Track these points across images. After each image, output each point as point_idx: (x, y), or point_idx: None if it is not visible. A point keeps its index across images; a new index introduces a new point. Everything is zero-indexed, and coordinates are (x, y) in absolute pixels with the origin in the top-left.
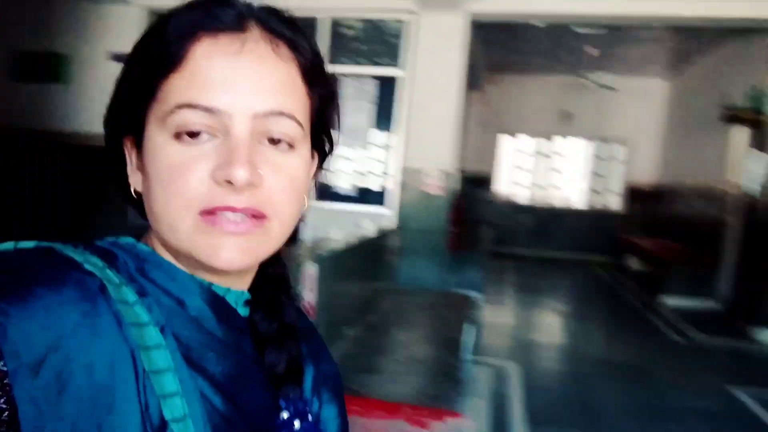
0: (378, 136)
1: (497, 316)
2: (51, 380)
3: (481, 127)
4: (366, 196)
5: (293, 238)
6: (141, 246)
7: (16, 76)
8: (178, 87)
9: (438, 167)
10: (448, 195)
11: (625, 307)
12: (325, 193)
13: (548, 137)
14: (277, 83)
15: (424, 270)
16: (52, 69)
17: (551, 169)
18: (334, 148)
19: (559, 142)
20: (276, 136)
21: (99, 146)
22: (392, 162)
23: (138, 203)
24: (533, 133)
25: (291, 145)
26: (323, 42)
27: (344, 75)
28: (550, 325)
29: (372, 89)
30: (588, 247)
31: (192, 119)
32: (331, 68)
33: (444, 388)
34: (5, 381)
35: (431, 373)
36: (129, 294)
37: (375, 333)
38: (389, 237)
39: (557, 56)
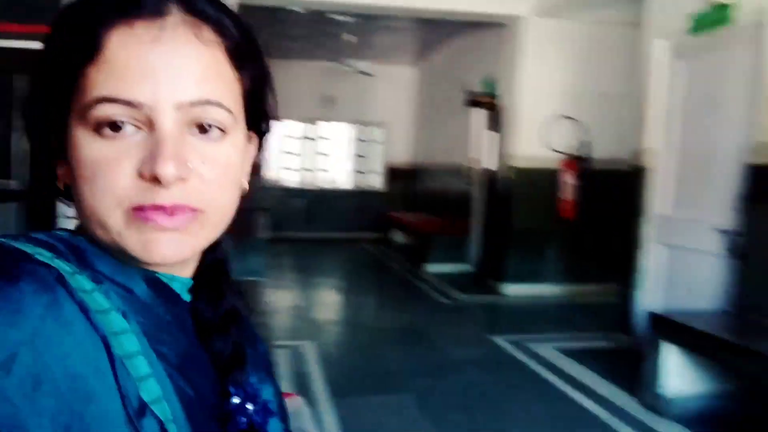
0: None
1: (282, 299)
2: (24, 376)
3: None
4: None
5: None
6: (78, 238)
7: None
8: (96, 80)
9: None
10: None
11: (395, 278)
12: None
13: (313, 122)
14: (200, 70)
15: None
16: None
17: (318, 152)
18: (271, 127)
19: (324, 126)
20: (204, 125)
21: None
22: None
23: (66, 195)
24: (299, 118)
25: (222, 132)
26: None
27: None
28: (332, 302)
29: None
30: (357, 226)
31: (112, 113)
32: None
33: None
34: None
35: None
36: (85, 282)
37: None
38: None
39: (318, 42)
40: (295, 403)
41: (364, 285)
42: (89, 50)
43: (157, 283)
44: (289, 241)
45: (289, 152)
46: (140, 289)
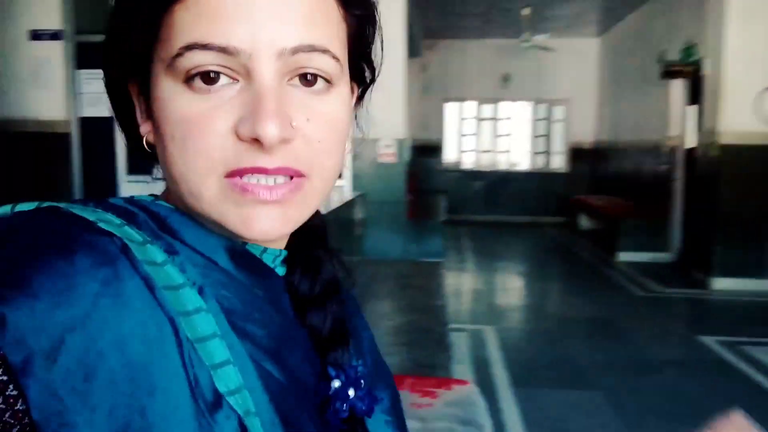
0: None
1: (462, 282)
2: (73, 366)
3: (422, 94)
4: None
5: None
6: (161, 203)
7: None
8: (184, 22)
9: (389, 135)
10: (403, 164)
11: (583, 265)
12: None
13: (491, 102)
14: (306, 9)
15: (387, 240)
16: None
17: (496, 133)
18: (376, 75)
19: (502, 106)
20: (309, 75)
21: (29, 132)
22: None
23: (152, 156)
24: (476, 98)
25: (328, 83)
26: None
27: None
28: (514, 287)
29: None
30: (537, 209)
31: (204, 61)
32: None
33: (437, 355)
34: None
35: (420, 341)
36: (157, 253)
37: None
38: (351, 209)
39: (493, 19)
40: (467, 391)
41: (548, 271)
42: None
43: (244, 256)
44: (467, 224)
45: (466, 134)
46: (225, 261)
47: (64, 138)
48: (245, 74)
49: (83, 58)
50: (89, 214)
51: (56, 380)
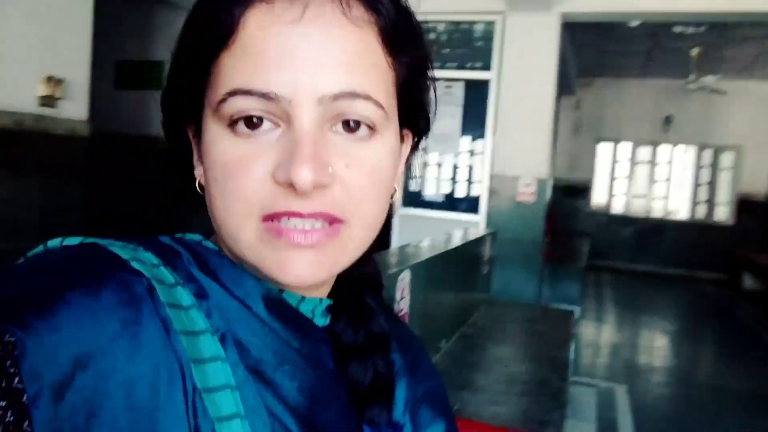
0: (468, 142)
1: (597, 334)
2: (79, 403)
3: (572, 133)
4: (456, 203)
5: (383, 239)
6: (207, 243)
7: (120, 84)
8: (229, 68)
9: (530, 174)
10: (542, 203)
11: (743, 330)
12: (414, 200)
13: (648, 144)
14: (348, 56)
15: (519, 281)
16: (151, 76)
17: (652, 178)
18: (431, 124)
19: (661, 149)
20: (351, 121)
21: None
22: (483, 168)
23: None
24: (632, 140)
25: (371, 130)
26: None
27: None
28: (658, 346)
29: (461, 93)
30: (694, 263)
31: (247, 106)
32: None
33: (550, 411)
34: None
35: (535, 393)
36: (184, 296)
37: (471, 347)
38: (481, 246)
39: (656, 58)
40: None
41: (700, 331)
42: (224, 33)
43: (280, 304)
44: (612, 271)
45: (619, 176)
46: (260, 307)
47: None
48: (286, 120)
49: None
50: (126, 252)
51: (62, 417)
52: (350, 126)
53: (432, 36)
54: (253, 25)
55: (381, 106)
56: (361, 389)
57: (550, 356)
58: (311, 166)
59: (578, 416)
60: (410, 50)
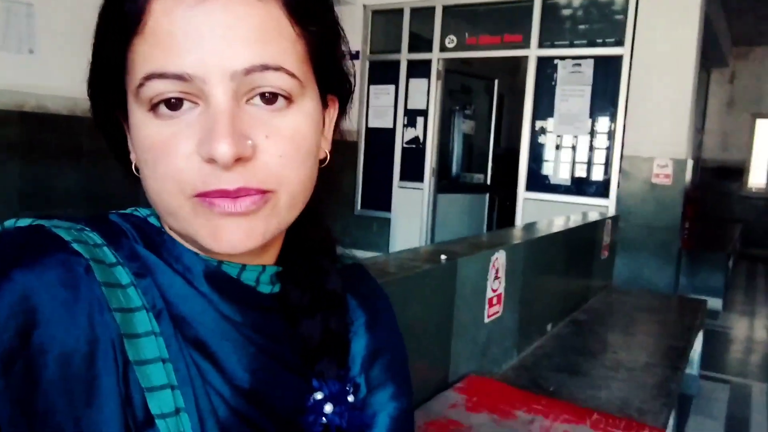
0: (598, 122)
1: (740, 328)
2: (22, 375)
3: (726, 109)
4: (585, 186)
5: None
6: (152, 220)
7: None
8: (142, 53)
9: (666, 154)
10: (680, 186)
11: None
12: (539, 183)
13: None
14: (255, 30)
15: (651, 269)
16: None
17: None
18: (353, 85)
19: None
20: (267, 93)
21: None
22: (613, 150)
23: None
24: None
25: (288, 100)
26: (535, 24)
27: (560, 58)
28: None
29: (590, 71)
30: None
31: (163, 89)
32: (543, 52)
33: (652, 399)
34: None
35: (639, 381)
36: (123, 275)
37: (580, 332)
38: (598, 230)
39: None
40: None
41: None
42: (133, 20)
43: (219, 276)
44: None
45: None
46: (201, 282)
47: (353, 147)
48: (203, 98)
49: (372, 74)
50: (69, 234)
51: (8, 387)
52: (267, 98)
53: (564, 13)
54: (159, 10)
55: (294, 76)
56: (311, 346)
57: (667, 345)
58: (229, 140)
59: (705, 412)
60: (317, 18)
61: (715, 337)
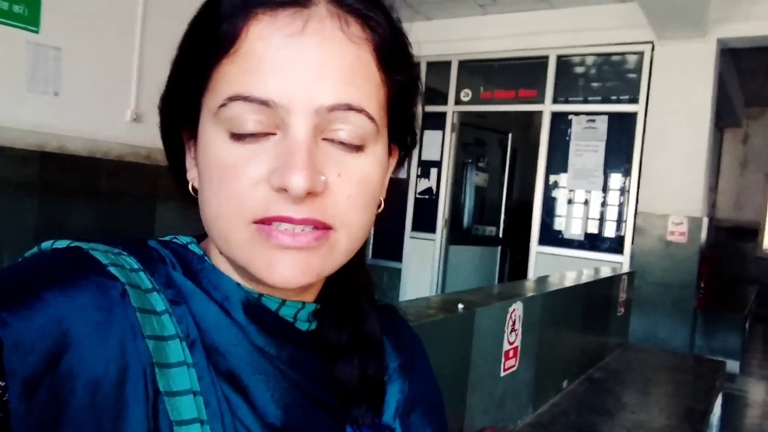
0: (612, 178)
1: (758, 392)
2: (48, 400)
3: (739, 169)
4: (599, 242)
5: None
6: (194, 247)
7: None
8: (230, 74)
9: (681, 212)
10: (696, 244)
11: None
12: (552, 237)
13: None
14: (345, 70)
15: (666, 327)
16: None
17: None
18: (416, 141)
19: None
20: (344, 133)
21: None
22: (627, 206)
23: (197, 201)
24: None
25: (362, 144)
26: (549, 80)
27: (575, 113)
28: None
29: (604, 127)
30: None
31: (245, 113)
32: (557, 107)
33: None
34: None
35: None
36: (158, 301)
37: (597, 390)
38: (614, 285)
39: None
40: None
41: None
42: (227, 41)
43: (259, 310)
44: None
45: None
46: (238, 315)
47: None
48: (283, 127)
49: None
50: (106, 257)
51: (31, 412)
52: (342, 139)
53: (579, 70)
54: (255, 35)
55: (373, 120)
56: (347, 389)
57: (685, 407)
58: (305, 173)
59: None
60: (402, 68)
61: (733, 401)
